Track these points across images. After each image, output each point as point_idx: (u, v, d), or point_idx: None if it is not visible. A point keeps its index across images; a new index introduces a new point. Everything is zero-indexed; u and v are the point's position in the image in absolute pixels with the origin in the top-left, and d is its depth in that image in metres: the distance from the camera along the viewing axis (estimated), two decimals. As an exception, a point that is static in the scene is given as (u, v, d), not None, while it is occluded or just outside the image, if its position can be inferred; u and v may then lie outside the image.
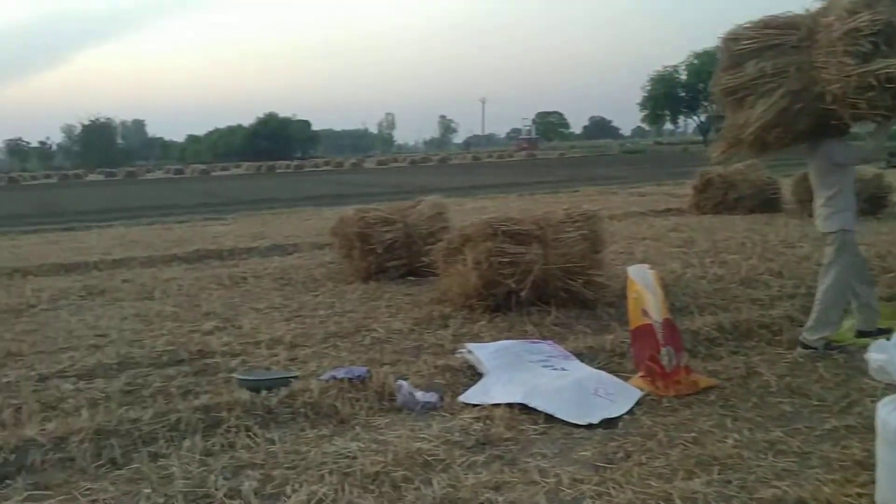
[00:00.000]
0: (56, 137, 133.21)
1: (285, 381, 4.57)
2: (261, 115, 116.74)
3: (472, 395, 4.45)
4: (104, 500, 3.27)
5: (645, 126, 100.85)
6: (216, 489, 3.31)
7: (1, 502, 3.29)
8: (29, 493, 3.37)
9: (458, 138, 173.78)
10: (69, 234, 15.73)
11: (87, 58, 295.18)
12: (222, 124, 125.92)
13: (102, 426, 3.99)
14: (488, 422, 4.07)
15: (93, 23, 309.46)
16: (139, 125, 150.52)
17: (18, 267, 10.19)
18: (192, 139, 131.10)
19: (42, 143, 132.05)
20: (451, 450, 3.71)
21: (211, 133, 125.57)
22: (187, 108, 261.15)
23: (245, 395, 4.37)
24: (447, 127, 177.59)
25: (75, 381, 5.01)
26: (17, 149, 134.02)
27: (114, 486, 3.42)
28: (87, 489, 3.38)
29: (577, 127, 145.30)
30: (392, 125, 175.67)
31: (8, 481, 3.54)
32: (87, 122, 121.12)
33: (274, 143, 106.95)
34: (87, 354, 5.66)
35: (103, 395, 4.68)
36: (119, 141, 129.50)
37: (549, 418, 4.09)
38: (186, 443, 3.85)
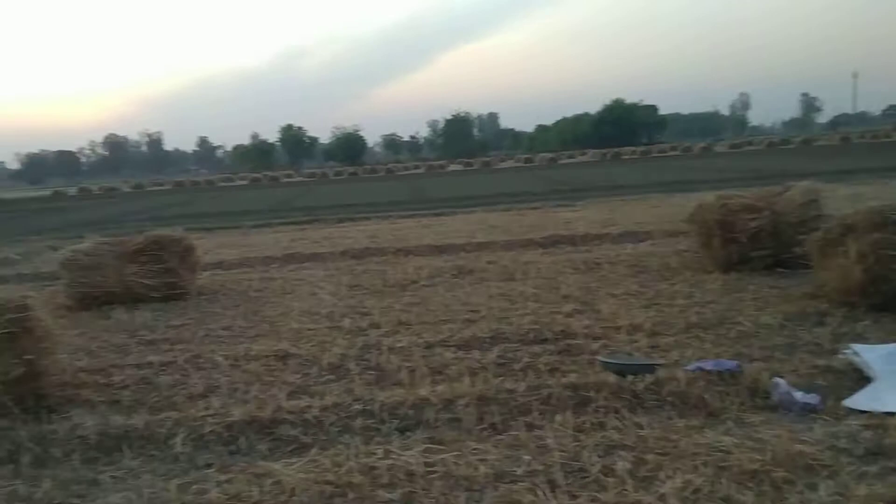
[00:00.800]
0: (423, 132, 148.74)
1: (650, 368, 4.58)
2: (607, 101, 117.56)
3: (859, 401, 4.03)
4: (490, 461, 3.58)
5: None
6: (591, 465, 3.44)
7: (404, 451, 3.77)
8: (426, 446, 3.82)
9: (823, 118, 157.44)
10: (438, 218, 17.37)
11: (450, 57, 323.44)
12: (569, 113, 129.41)
13: (483, 393, 4.38)
14: (881, 431, 3.65)
15: (455, 23, 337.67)
16: (493, 118, 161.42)
17: (402, 247, 11.56)
18: (541, 129, 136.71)
19: (412, 137, 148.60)
20: (838, 456, 3.41)
21: (558, 122, 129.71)
22: (537, 99, 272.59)
23: (611, 377, 4.46)
24: (809, 105, 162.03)
25: (455, 351, 5.56)
26: (391, 143, 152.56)
27: (496, 449, 3.73)
28: (474, 449, 3.74)
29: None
30: (746, 106, 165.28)
31: (408, 433, 4.06)
32: (449, 117, 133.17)
33: (619, 129, 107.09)
34: (463, 327, 6.23)
35: (480, 365, 5.12)
36: (476, 133, 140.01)
37: (960, 435, 3.55)
38: (558, 417, 4.05)
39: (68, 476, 3.86)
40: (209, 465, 3.86)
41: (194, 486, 3.58)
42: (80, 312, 8.06)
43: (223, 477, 3.68)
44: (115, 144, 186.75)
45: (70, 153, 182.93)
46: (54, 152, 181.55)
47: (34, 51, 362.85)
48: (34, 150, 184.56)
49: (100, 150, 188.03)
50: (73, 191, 73.02)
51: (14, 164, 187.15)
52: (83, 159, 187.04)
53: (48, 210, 38.27)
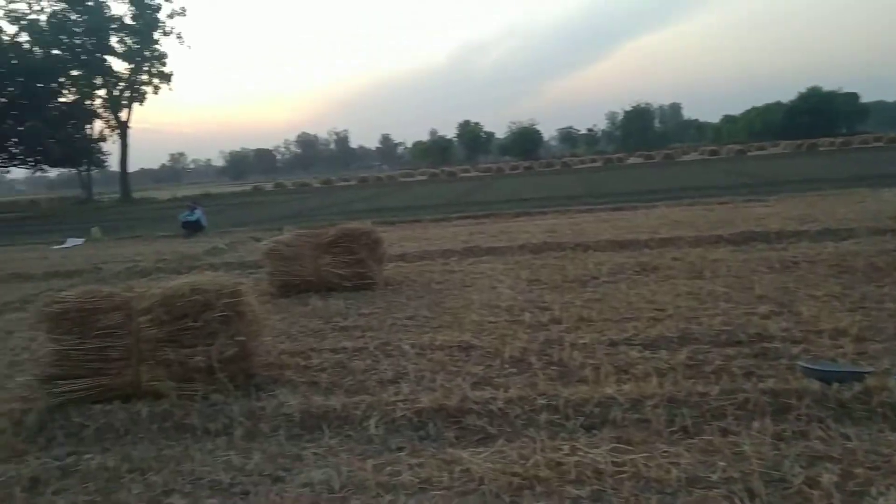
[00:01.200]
0: (601, 124, 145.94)
1: (858, 376, 4.23)
2: (802, 90, 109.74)
3: None
4: (682, 465, 3.47)
5: None
6: (792, 476, 3.25)
7: (591, 449, 3.74)
8: (614, 445, 3.77)
9: None
10: (617, 213, 16.98)
11: (629, 48, 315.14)
12: (759, 102, 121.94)
13: (673, 395, 4.26)
14: None
15: (634, 13, 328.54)
16: (675, 108, 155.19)
17: (580, 242, 11.42)
18: (727, 119, 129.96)
19: (589, 130, 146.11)
20: None
21: (747, 112, 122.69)
22: (723, 88, 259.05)
23: (814, 385, 4.18)
24: None
25: (641, 350, 5.43)
26: (568, 136, 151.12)
27: (688, 453, 3.61)
28: (665, 451, 3.64)
29: None
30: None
31: (594, 431, 4.03)
32: (628, 109, 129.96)
33: (816, 119, 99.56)
34: (649, 326, 6.07)
35: (668, 365, 4.97)
36: (656, 125, 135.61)
37: None
38: (755, 424, 3.86)
39: (275, 450, 4.19)
40: (401, 449, 4.04)
41: (388, 468, 3.77)
42: (280, 299, 8.70)
43: (414, 461, 3.84)
44: (307, 142, 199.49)
45: (267, 151, 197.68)
46: (254, 150, 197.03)
47: (236, 59, 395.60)
48: (236, 148, 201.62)
49: (293, 148, 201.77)
50: (269, 186, 78.74)
51: (219, 162, 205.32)
52: (278, 157, 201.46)
53: (249, 204, 41.60)
